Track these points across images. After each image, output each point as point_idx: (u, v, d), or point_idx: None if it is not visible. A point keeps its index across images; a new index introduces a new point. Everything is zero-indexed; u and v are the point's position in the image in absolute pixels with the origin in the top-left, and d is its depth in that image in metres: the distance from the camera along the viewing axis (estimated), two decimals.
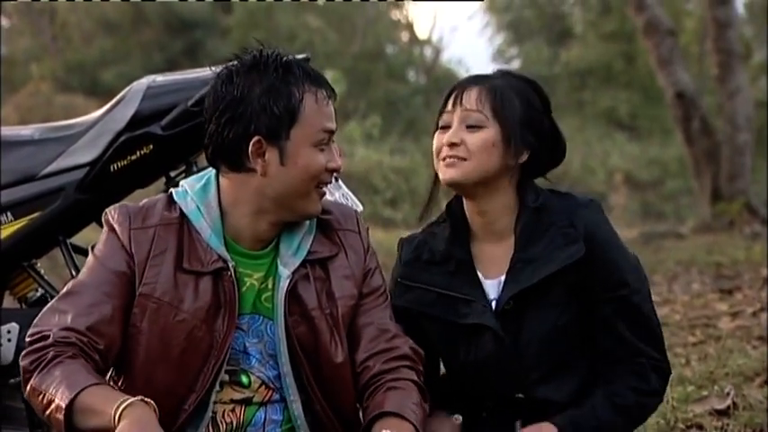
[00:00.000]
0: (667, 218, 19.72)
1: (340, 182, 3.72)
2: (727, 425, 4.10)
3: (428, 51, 30.90)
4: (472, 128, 2.74)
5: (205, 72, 3.70)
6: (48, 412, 2.38)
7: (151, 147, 3.60)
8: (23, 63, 24.73)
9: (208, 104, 2.56)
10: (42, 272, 3.83)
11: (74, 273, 3.72)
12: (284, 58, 2.56)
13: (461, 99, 2.76)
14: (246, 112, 2.50)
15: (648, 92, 24.29)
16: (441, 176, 2.78)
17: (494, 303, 2.77)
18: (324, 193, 2.63)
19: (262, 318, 2.61)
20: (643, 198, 22.23)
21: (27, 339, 2.53)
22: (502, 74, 2.84)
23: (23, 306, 3.82)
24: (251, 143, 2.50)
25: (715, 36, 14.21)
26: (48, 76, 23.60)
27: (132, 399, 2.31)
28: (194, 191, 2.60)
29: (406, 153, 22.26)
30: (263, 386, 2.61)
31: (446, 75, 29.75)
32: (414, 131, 24.87)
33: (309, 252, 2.63)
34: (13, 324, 3.67)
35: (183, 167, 3.76)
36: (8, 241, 3.67)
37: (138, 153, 3.61)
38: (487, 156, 2.73)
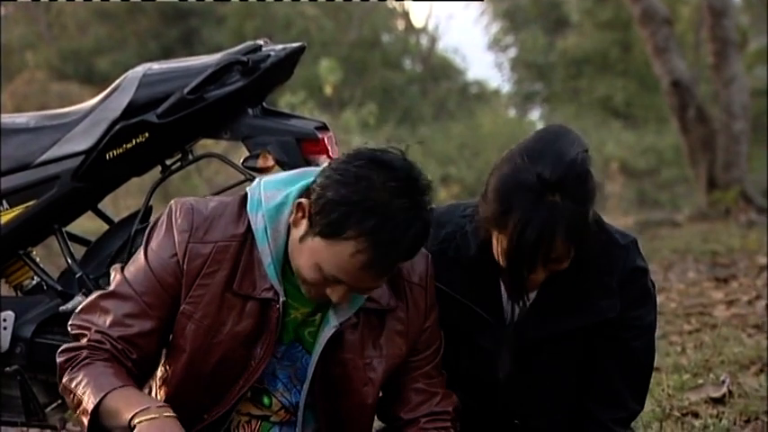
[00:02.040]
0: (663, 206, 19.71)
1: None
2: (723, 413, 4.10)
3: (424, 40, 30.83)
4: (554, 262, 2.53)
5: (201, 60, 3.70)
6: (78, 412, 2.42)
7: (147, 135, 3.59)
8: (19, 51, 24.68)
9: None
10: (38, 260, 3.83)
11: (69, 261, 3.73)
12: (398, 203, 2.29)
13: (546, 258, 2.49)
14: (317, 185, 2.36)
15: (644, 80, 24.26)
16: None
17: (508, 320, 2.71)
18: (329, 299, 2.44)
19: (301, 347, 2.56)
20: (639, 186, 22.23)
21: (70, 329, 2.53)
22: (557, 182, 2.46)
23: (19, 294, 3.83)
24: (298, 201, 2.41)
25: (711, 24, 14.18)
26: (43, 65, 23.56)
27: (149, 404, 2.33)
28: (269, 207, 2.45)
29: (402, 142, 22.22)
30: (284, 410, 2.60)
31: (442, 63, 29.72)
32: (410, 120, 24.87)
33: (369, 299, 2.51)
34: (9, 312, 3.67)
35: (179, 155, 3.76)
36: (3, 229, 3.67)
37: (133, 141, 3.61)
38: None
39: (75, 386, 2.42)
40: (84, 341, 2.48)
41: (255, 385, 2.55)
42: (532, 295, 2.66)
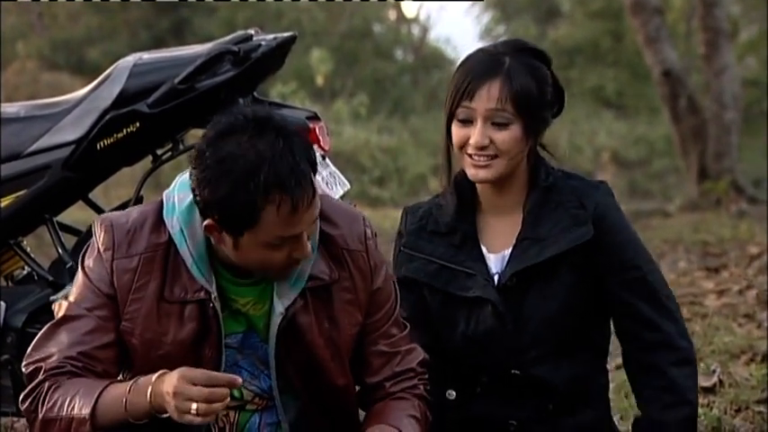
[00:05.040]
0: (654, 196, 19.74)
1: (327, 161, 3.72)
2: (714, 402, 4.11)
3: (416, 30, 30.80)
4: (498, 125, 2.69)
5: (192, 50, 3.70)
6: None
7: (137, 125, 3.59)
8: (10, 41, 24.62)
9: (198, 154, 2.35)
10: (29, 250, 3.82)
11: (60, 251, 3.72)
12: (253, 159, 2.28)
13: (482, 95, 2.69)
14: (205, 197, 2.33)
15: (636, 70, 24.29)
16: (469, 174, 2.75)
17: (496, 278, 2.78)
18: (299, 261, 2.43)
19: (257, 336, 2.54)
20: (630, 176, 22.26)
21: (24, 370, 2.46)
22: (511, 51, 2.75)
23: (10, 284, 3.82)
24: (205, 221, 2.37)
25: (702, 14, 14.21)
26: (34, 54, 23.48)
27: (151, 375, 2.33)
28: (181, 209, 2.44)
29: (394, 132, 22.24)
30: (258, 397, 2.59)
31: (434, 53, 29.69)
32: (401, 110, 24.85)
33: (311, 277, 2.50)
34: (0, 302, 3.66)
35: (170, 145, 3.76)
36: None
37: (124, 131, 3.61)
38: (516, 150, 2.72)
39: (57, 412, 2.35)
40: (41, 376, 2.41)
41: None
42: (514, 239, 2.77)
